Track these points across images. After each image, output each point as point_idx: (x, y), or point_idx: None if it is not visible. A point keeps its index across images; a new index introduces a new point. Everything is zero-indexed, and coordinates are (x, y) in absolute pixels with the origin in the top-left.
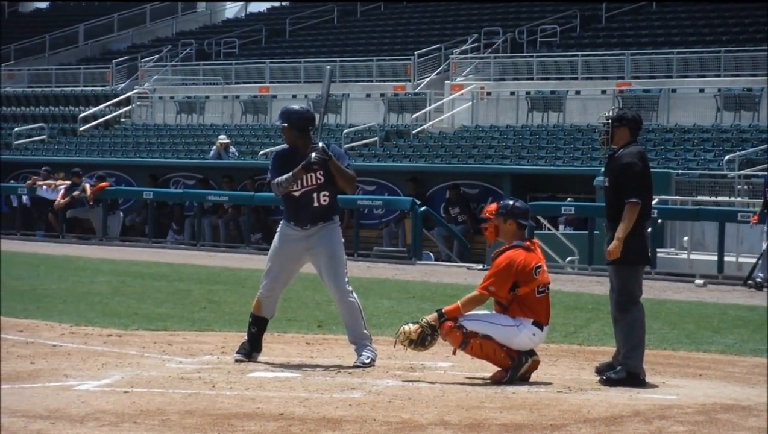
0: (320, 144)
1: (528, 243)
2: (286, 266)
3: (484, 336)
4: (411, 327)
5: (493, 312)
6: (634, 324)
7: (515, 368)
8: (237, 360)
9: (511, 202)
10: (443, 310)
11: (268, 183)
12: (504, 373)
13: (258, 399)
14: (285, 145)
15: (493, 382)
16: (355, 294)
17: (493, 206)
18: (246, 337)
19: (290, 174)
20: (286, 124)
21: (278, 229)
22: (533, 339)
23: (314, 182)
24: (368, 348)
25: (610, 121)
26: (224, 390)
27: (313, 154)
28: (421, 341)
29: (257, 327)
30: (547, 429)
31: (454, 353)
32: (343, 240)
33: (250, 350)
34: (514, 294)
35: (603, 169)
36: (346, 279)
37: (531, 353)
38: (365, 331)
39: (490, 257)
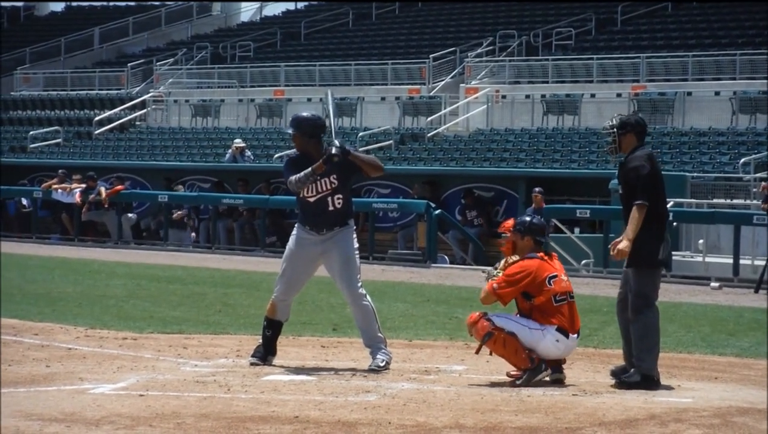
0: (336, 141)
1: (542, 254)
2: (301, 270)
3: (509, 333)
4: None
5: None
6: (648, 326)
7: (533, 371)
8: (252, 364)
9: (528, 219)
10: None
11: (287, 183)
12: (519, 375)
13: (273, 402)
14: (296, 151)
15: (510, 381)
16: (368, 298)
17: (510, 222)
18: (261, 341)
19: (309, 169)
20: (297, 132)
21: (293, 233)
22: (557, 346)
23: (329, 187)
24: (383, 351)
25: (615, 130)
26: (239, 393)
27: (333, 148)
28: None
29: (272, 330)
30: (562, 432)
31: (477, 352)
32: (357, 244)
33: (265, 353)
34: (531, 303)
35: (617, 176)
36: (360, 283)
37: (558, 369)
38: (379, 334)
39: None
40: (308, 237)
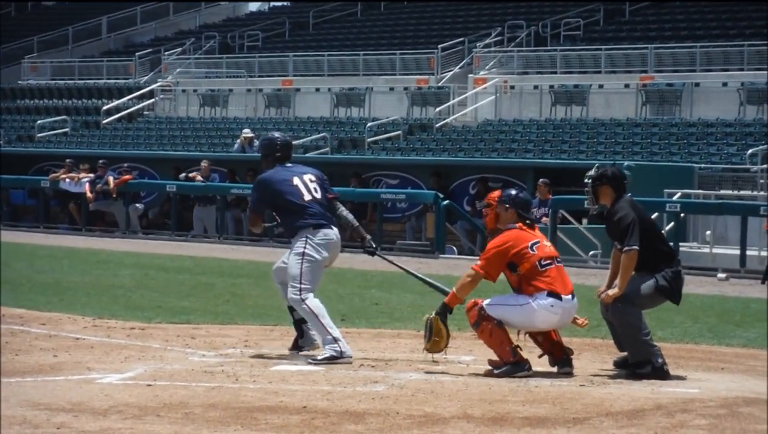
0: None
1: (520, 224)
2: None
3: (497, 323)
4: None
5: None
6: (629, 323)
7: (514, 365)
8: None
9: (514, 192)
10: (446, 302)
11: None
12: (500, 364)
13: (281, 392)
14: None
15: (488, 369)
16: (309, 300)
17: (496, 193)
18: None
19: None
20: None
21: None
22: (553, 311)
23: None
24: (332, 345)
25: (591, 180)
26: (247, 383)
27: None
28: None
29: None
30: (569, 422)
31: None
32: (303, 250)
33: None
34: (519, 274)
35: (605, 230)
36: (299, 287)
37: (567, 362)
38: (328, 336)
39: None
40: None
